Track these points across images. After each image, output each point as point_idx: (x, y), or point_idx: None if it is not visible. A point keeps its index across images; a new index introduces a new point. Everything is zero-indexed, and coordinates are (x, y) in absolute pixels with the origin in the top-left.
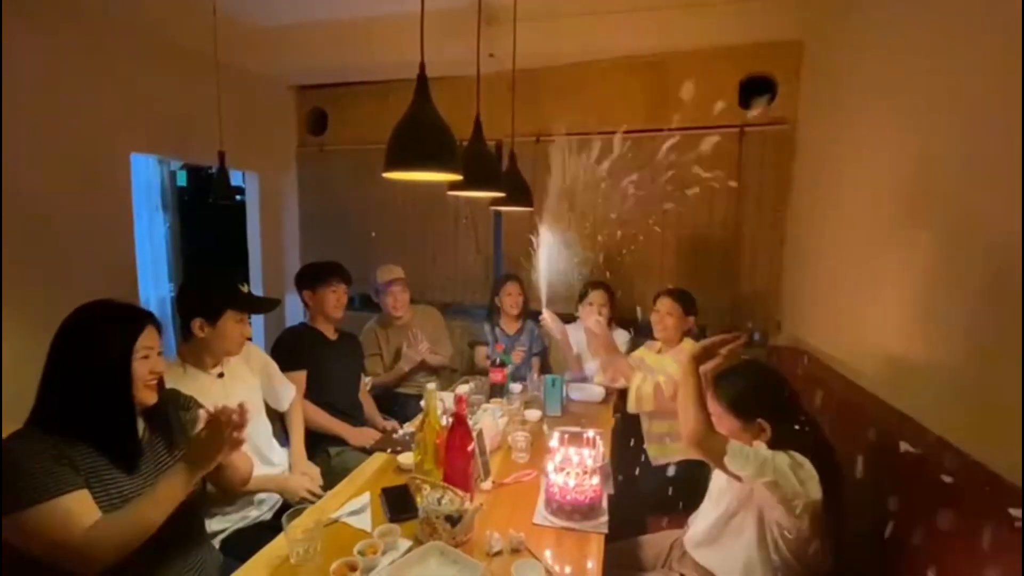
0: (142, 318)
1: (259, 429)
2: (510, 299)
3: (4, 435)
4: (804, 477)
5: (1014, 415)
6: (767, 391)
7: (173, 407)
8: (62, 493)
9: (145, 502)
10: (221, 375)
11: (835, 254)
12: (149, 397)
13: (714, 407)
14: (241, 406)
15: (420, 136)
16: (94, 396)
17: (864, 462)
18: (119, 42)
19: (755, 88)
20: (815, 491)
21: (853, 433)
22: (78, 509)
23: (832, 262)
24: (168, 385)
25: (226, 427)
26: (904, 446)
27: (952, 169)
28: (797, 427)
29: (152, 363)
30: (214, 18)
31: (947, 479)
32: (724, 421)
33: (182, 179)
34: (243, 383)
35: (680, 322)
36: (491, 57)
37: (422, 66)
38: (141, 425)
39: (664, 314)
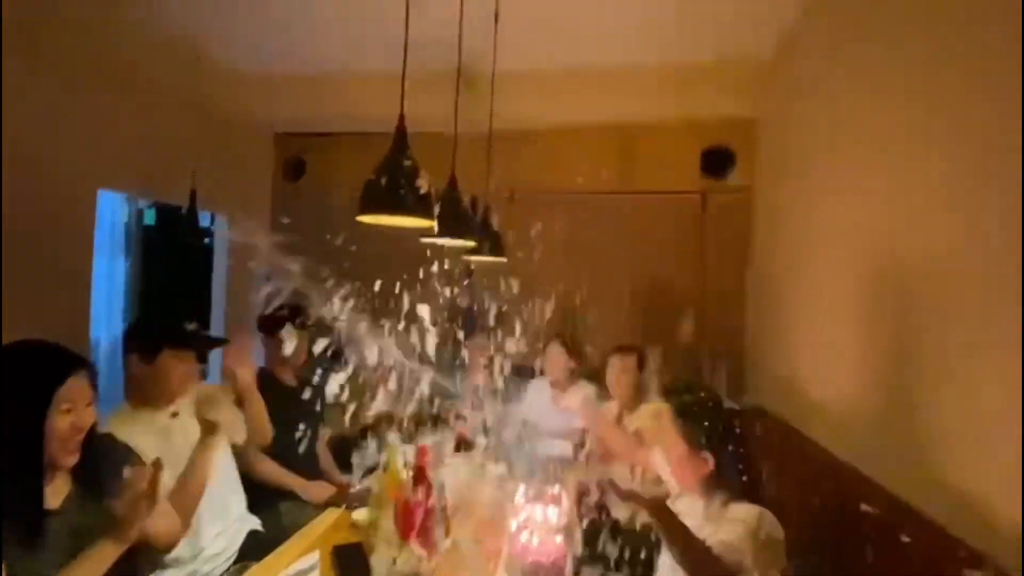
0: (66, 365)
1: (223, 473)
2: (479, 353)
3: None
4: (768, 525)
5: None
6: (716, 426)
7: (109, 461)
8: None
9: None
10: (175, 414)
11: (796, 317)
12: (67, 460)
13: (668, 431)
14: (157, 462)
15: (397, 182)
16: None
17: (828, 522)
18: (95, 77)
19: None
20: (777, 533)
21: (817, 492)
22: None
23: (795, 325)
24: (117, 427)
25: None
26: (865, 507)
27: (896, 239)
28: (741, 473)
29: (75, 417)
30: (196, 63)
31: (905, 539)
32: (676, 447)
33: (150, 217)
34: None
35: (635, 378)
36: (468, 120)
37: (402, 117)
38: (67, 483)
39: (618, 374)
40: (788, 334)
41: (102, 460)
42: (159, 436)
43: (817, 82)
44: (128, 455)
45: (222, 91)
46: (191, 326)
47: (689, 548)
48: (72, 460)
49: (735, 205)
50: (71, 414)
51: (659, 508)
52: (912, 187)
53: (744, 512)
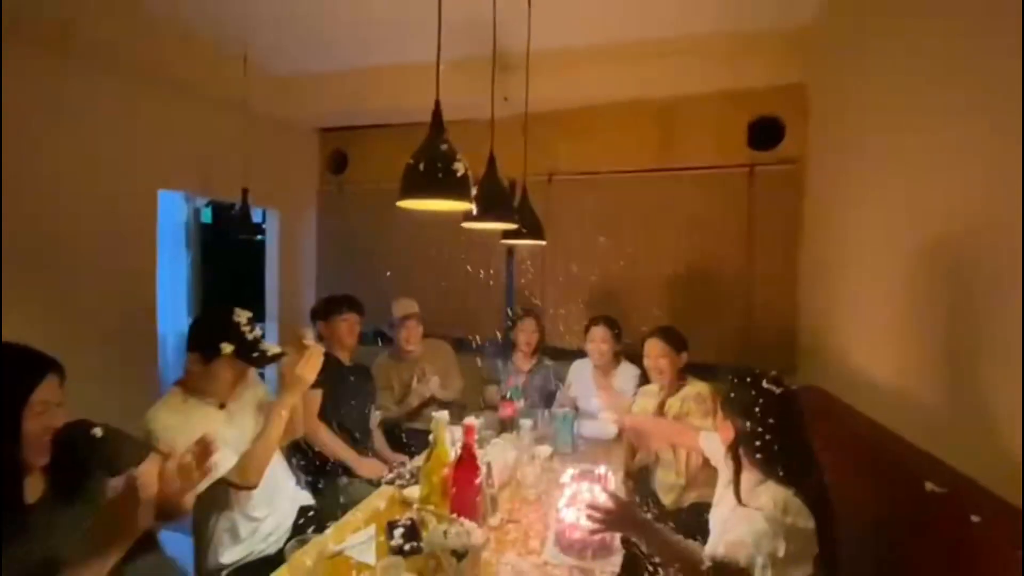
0: (42, 368)
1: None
2: (524, 335)
3: None
4: (794, 513)
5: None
6: (746, 395)
7: (83, 458)
8: None
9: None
10: (222, 406)
11: (850, 294)
12: (39, 460)
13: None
14: (203, 439)
15: (434, 165)
16: None
17: (888, 500)
18: (152, 85)
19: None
20: (804, 522)
21: (876, 472)
22: None
23: (849, 301)
24: (165, 414)
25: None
26: (930, 485)
27: (952, 212)
28: (778, 447)
29: (48, 419)
30: (244, 68)
31: (975, 518)
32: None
33: (207, 216)
34: (248, 415)
35: (674, 362)
36: (505, 100)
37: (437, 103)
38: (40, 481)
39: (656, 357)
40: (841, 311)
41: (75, 458)
42: (202, 425)
43: (865, 43)
44: (101, 447)
45: (268, 92)
46: (252, 334)
47: (669, 552)
48: (44, 460)
49: (785, 178)
50: (43, 416)
51: (632, 520)
52: (970, 156)
53: (768, 498)
